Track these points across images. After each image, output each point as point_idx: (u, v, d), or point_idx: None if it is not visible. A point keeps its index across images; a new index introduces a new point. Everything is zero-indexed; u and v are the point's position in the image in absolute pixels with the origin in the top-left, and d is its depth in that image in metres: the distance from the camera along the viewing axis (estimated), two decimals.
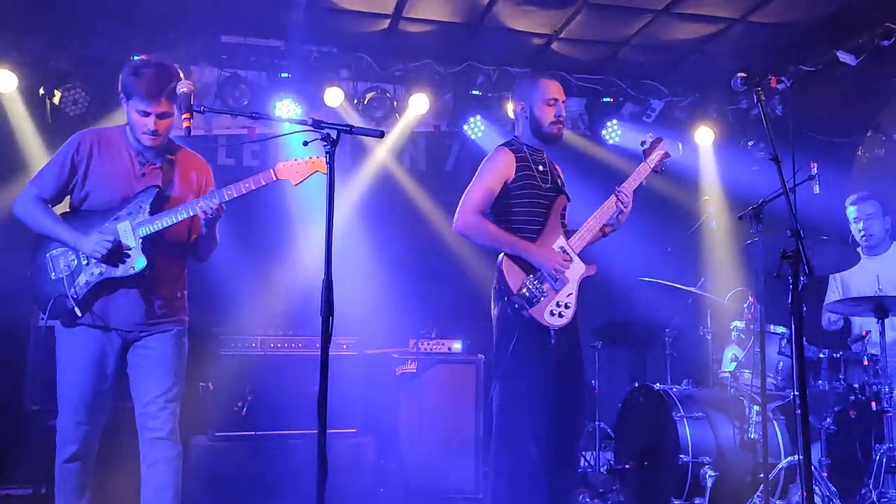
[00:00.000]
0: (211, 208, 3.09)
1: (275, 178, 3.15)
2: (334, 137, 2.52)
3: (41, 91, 5.13)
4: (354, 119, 5.70)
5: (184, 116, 2.79)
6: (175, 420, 3.19)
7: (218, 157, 5.83)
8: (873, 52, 5.04)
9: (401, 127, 5.92)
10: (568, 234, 3.40)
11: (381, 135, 2.65)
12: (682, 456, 4.21)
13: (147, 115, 3.09)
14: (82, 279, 3.07)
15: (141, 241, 3.08)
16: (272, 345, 4.73)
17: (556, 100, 3.46)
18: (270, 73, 5.54)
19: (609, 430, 5.38)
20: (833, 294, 4.80)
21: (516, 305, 3.23)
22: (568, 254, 3.32)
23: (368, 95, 5.73)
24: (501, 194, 3.37)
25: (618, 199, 3.41)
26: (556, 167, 3.58)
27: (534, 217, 3.36)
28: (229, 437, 4.54)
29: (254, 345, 4.71)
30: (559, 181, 3.52)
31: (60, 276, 3.08)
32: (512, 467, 3.21)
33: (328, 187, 2.44)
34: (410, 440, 4.91)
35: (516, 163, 3.39)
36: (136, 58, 3.25)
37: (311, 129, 2.57)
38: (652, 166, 3.57)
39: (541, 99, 3.44)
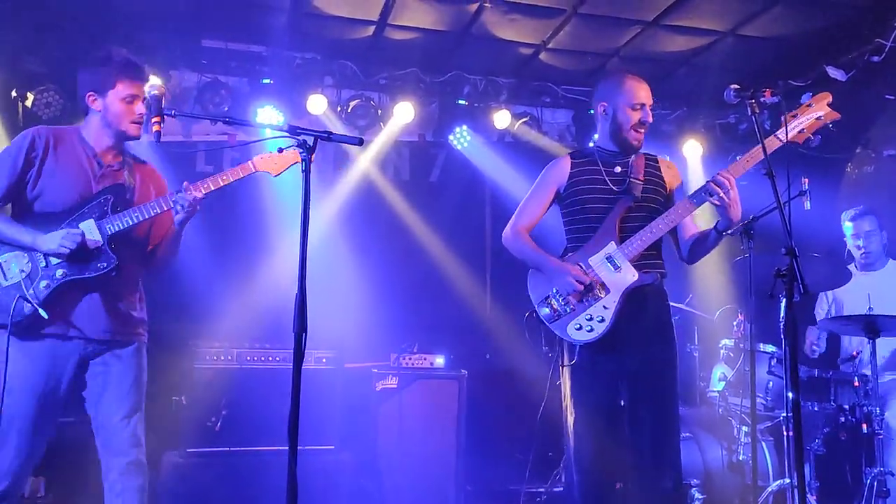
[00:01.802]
0: (187, 201, 2.92)
1: (254, 170, 3.02)
2: (311, 144, 2.40)
3: (13, 93, 4.98)
4: (338, 127, 5.58)
5: (154, 120, 2.68)
6: (143, 441, 3.00)
7: (197, 164, 5.71)
8: (863, 68, 5.00)
9: (385, 136, 5.81)
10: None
11: (360, 142, 2.54)
12: None
13: (133, 99, 2.99)
14: (42, 283, 2.85)
15: (108, 239, 2.91)
16: (248, 358, 4.61)
17: (642, 105, 3.22)
18: (252, 80, 5.43)
19: None
20: (823, 312, 4.72)
21: (535, 318, 3.13)
22: (592, 268, 3.09)
23: (352, 103, 5.62)
24: (558, 201, 3.31)
25: (705, 191, 2.99)
26: (656, 169, 3.30)
27: (588, 223, 3.20)
28: (202, 454, 4.40)
29: (229, 358, 4.58)
30: (639, 184, 3.20)
31: (15, 280, 2.84)
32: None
33: (303, 197, 2.32)
34: (390, 458, 4.78)
35: (572, 168, 3.27)
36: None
37: (287, 135, 2.46)
38: (786, 138, 2.92)
39: (626, 103, 3.21)
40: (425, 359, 5.01)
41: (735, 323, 4.40)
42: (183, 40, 5.24)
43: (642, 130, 3.24)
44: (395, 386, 4.88)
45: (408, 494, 4.74)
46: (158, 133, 2.68)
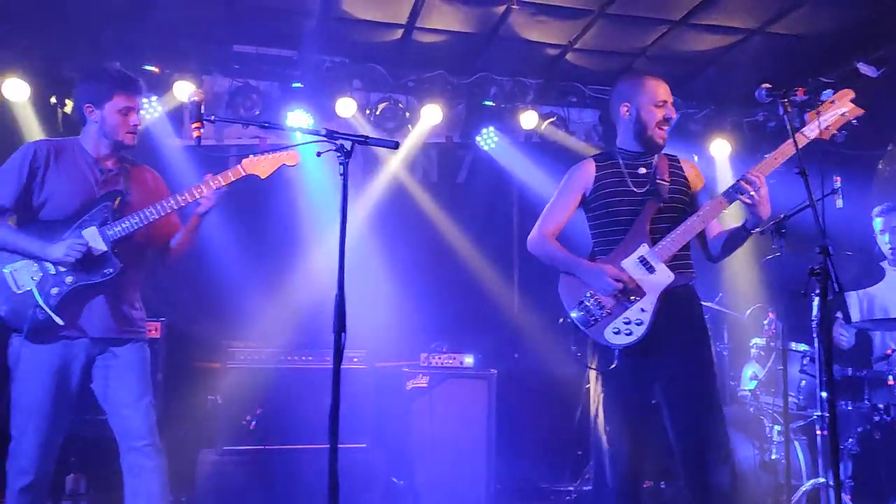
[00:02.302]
0: (187, 201, 3.11)
1: (243, 174, 3.22)
2: (348, 148, 2.46)
3: (52, 100, 5.11)
4: (366, 130, 5.64)
5: (194, 126, 2.76)
6: (155, 426, 3.11)
7: (229, 167, 5.77)
8: (894, 64, 4.95)
9: (413, 138, 5.86)
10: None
11: (396, 146, 2.60)
12: None
13: (129, 111, 3.14)
14: (53, 290, 3.00)
15: (112, 244, 3.06)
16: (282, 358, 4.67)
17: (665, 102, 3.22)
18: (283, 83, 5.50)
19: None
20: (855, 310, 4.68)
21: (569, 323, 3.08)
22: (625, 271, 3.04)
23: (381, 106, 5.67)
24: (584, 205, 3.28)
25: (736, 189, 2.96)
26: (679, 169, 3.28)
27: (616, 226, 3.16)
28: (238, 452, 4.49)
29: (263, 357, 4.66)
30: (665, 184, 3.18)
31: (27, 288, 2.99)
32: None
33: (342, 201, 2.38)
34: (421, 456, 4.82)
35: (597, 171, 3.24)
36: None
37: (326, 139, 2.52)
38: (812, 135, 2.91)
39: (650, 101, 3.21)
40: (455, 358, 5.06)
41: (766, 321, 4.39)
42: (215, 45, 5.33)
43: (666, 128, 3.24)
44: (426, 385, 4.93)
45: (439, 492, 4.78)
46: (199, 138, 2.76)
